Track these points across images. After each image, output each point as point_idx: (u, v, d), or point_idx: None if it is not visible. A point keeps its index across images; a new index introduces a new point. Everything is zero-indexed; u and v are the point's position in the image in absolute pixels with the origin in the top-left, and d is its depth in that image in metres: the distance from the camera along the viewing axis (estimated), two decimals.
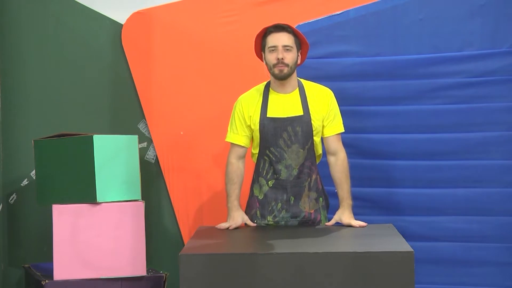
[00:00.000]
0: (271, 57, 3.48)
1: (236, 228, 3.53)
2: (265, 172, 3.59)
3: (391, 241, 3.16)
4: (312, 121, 3.53)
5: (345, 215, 3.55)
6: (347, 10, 4.01)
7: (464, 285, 3.93)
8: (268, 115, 3.53)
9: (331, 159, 3.60)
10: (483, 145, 3.90)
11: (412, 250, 2.94)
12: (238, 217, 3.55)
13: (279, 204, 3.57)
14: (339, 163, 3.57)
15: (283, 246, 3.09)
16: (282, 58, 3.45)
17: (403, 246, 3.04)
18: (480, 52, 3.88)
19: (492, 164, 3.89)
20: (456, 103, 3.92)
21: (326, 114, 3.56)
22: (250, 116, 3.56)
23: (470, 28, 3.89)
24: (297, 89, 3.57)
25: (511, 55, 3.86)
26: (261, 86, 3.63)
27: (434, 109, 3.93)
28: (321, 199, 3.63)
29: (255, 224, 3.59)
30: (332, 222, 3.58)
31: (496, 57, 3.87)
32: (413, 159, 3.96)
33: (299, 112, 3.53)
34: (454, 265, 3.93)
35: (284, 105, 3.55)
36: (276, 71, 3.48)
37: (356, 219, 3.54)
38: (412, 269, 2.91)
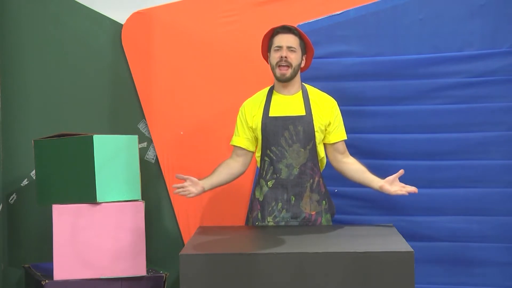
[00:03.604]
0: (275, 55, 3.53)
1: (192, 187, 3.50)
2: (265, 172, 3.60)
3: (391, 241, 3.17)
4: (313, 122, 3.54)
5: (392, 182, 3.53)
6: (347, 10, 4.01)
7: (464, 285, 3.93)
8: (270, 115, 3.56)
9: (344, 164, 3.61)
10: (483, 145, 3.90)
11: (412, 250, 2.94)
12: (200, 181, 3.54)
13: (280, 204, 3.58)
14: (355, 163, 3.60)
15: (283, 246, 3.09)
16: (286, 57, 3.49)
17: (403, 246, 3.04)
18: (480, 52, 3.89)
19: (492, 164, 3.89)
20: (456, 103, 3.92)
21: (332, 121, 3.58)
22: (254, 116, 3.59)
23: (470, 28, 3.89)
24: (300, 91, 3.61)
25: (511, 55, 3.86)
26: (266, 89, 3.67)
27: (434, 109, 3.93)
28: (324, 202, 3.63)
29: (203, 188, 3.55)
30: (384, 182, 3.55)
31: (496, 57, 3.87)
32: (413, 159, 3.96)
33: (302, 112, 3.55)
34: (454, 265, 3.93)
35: (287, 105, 3.57)
36: (278, 74, 3.52)
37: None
38: (412, 269, 2.91)
